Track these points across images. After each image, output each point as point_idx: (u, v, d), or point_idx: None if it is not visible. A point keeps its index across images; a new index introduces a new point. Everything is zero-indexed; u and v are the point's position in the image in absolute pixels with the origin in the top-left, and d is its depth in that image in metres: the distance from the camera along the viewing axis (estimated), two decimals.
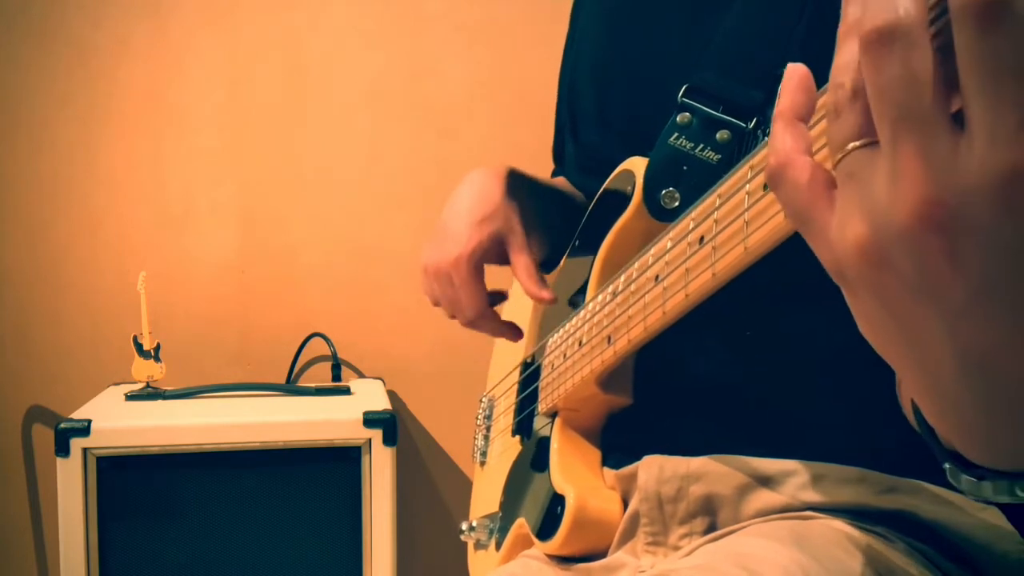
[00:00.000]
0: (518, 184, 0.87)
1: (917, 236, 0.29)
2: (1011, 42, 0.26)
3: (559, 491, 0.76)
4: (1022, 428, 0.32)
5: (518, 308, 0.98)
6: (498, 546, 0.89)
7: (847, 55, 0.33)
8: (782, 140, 0.36)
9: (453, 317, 0.88)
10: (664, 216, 0.68)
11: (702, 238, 0.53)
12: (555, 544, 0.75)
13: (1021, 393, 0.31)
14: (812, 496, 0.66)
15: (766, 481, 0.67)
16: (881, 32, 0.29)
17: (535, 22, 1.80)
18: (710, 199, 0.52)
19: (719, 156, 0.67)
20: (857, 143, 0.32)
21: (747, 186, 0.48)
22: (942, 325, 0.31)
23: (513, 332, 0.89)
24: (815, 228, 0.34)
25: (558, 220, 0.91)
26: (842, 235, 0.32)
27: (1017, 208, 0.27)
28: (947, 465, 0.36)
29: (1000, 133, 0.27)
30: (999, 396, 0.31)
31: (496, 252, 0.83)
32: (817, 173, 0.35)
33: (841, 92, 0.33)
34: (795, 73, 0.38)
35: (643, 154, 0.72)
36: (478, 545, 0.96)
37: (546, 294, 0.81)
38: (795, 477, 0.66)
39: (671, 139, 0.68)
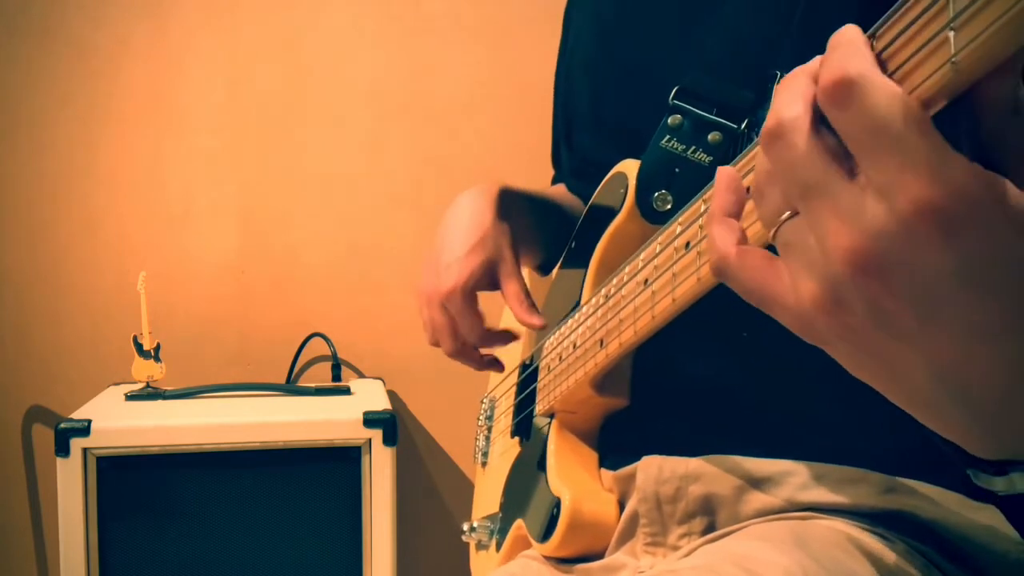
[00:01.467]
0: (510, 202, 0.87)
1: (856, 280, 0.33)
2: (864, 111, 0.32)
3: (555, 493, 0.76)
4: (1006, 418, 0.35)
5: None
6: (498, 547, 0.89)
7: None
8: (717, 237, 0.41)
9: (436, 344, 0.88)
10: (657, 218, 0.68)
11: (688, 243, 0.53)
12: (551, 546, 0.75)
13: (992, 388, 0.34)
14: (811, 496, 0.66)
15: (765, 481, 0.67)
16: (770, 132, 0.36)
17: (535, 22, 1.80)
18: (696, 204, 0.52)
19: (711, 158, 0.67)
20: (783, 216, 0.37)
21: None
22: (906, 348, 0.34)
23: (499, 366, 0.90)
24: (773, 300, 0.38)
25: (554, 229, 0.92)
26: (798, 297, 0.36)
27: (929, 237, 0.31)
28: (969, 471, 0.40)
29: (887, 180, 0.32)
30: (974, 395, 0.35)
31: (488, 279, 0.84)
32: (755, 255, 0.39)
33: (759, 179, 0.39)
34: (723, 176, 0.43)
35: (637, 157, 0.72)
36: (479, 546, 0.97)
37: (536, 320, 0.82)
38: (794, 477, 0.66)
39: (663, 141, 0.68)
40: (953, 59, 0.30)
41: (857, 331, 0.35)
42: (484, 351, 0.89)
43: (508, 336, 0.88)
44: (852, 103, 0.32)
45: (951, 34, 0.30)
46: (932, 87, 0.31)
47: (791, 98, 0.36)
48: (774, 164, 0.36)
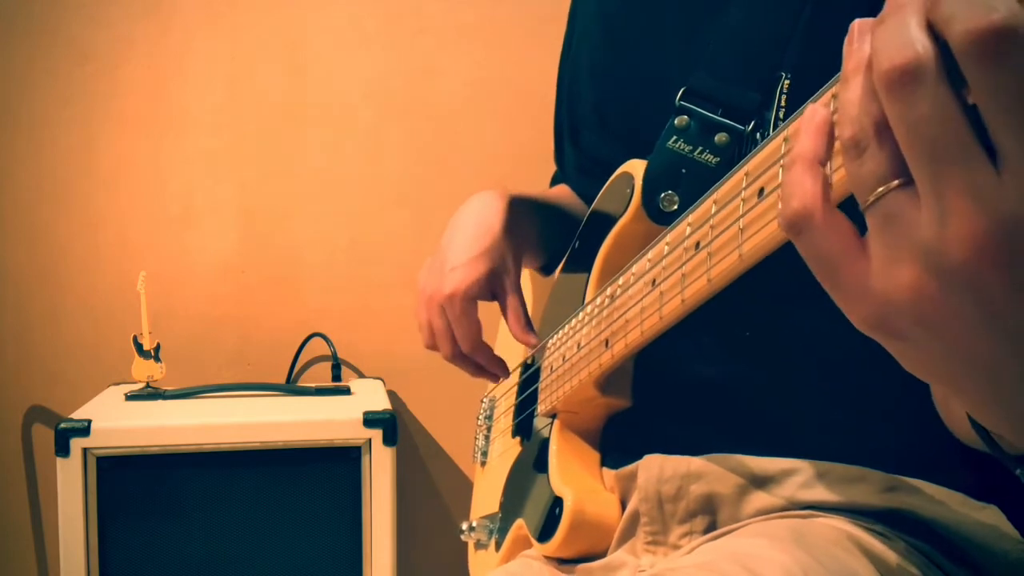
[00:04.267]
0: (518, 211, 0.87)
1: (977, 271, 0.29)
2: (1020, 69, 0.27)
3: (557, 493, 0.76)
4: None
5: None
6: (498, 546, 0.89)
7: (856, 90, 0.33)
8: (804, 185, 0.35)
9: (432, 348, 0.87)
10: (663, 219, 0.69)
11: (698, 244, 0.53)
12: (553, 546, 0.75)
13: None
14: (812, 495, 0.66)
15: (766, 480, 0.67)
16: (904, 71, 0.29)
17: (535, 22, 1.80)
18: (706, 204, 0.52)
19: (718, 159, 0.67)
20: (893, 184, 0.31)
21: (743, 193, 0.48)
22: (1007, 347, 0.31)
23: (493, 375, 0.88)
24: (847, 278, 0.34)
25: (558, 234, 0.92)
26: (890, 282, 0.32)
27: None
28: (1019, 471, 0.38)
29: None
30: None
31: (489, 289, 0.83)
32: (844, 221, 0.34)
33: (859, 130, 0.32)
34: (816, 115, 0.37)
35: (643, 157, 0.72)
36: (478, 545, 0.97)
37: (531, 339, 0.82)
38: (795, 476, 0.67)
39: (669, 142, 0.68)
40: None
41: (954, 327, 0.31)
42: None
43: (498, 360, 0.87)
44: (1012, 56, 0.27)
45: None
46: None
47: (918, 34, 0.29)
48: (899, 113, 0.30)
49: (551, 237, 0.93)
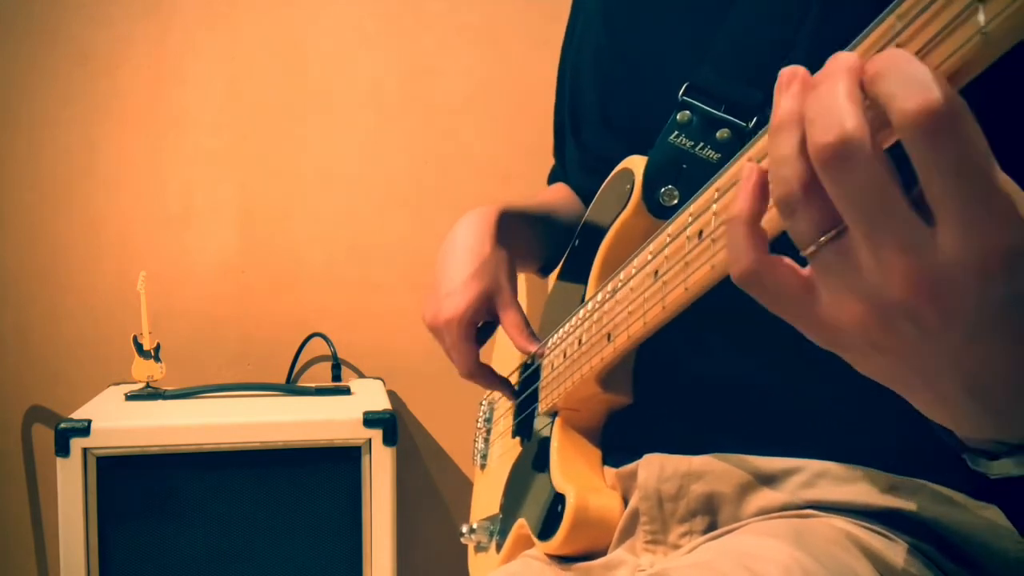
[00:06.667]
0: (509, 225, 0.87)
1: (914, 306, 0.34)
2: (963, 148, 0.30)
3: (559, 490, 0.76)
4: (1013, 406, 0.38)
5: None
6: (498, 548, 0.89)
7: (786, 148, 0.36)
8: (744, 246, 0.39)
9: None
10: (663, 214, 0.68)
11: (701, 232, 0.53)
12: (555, 543, 0.75)
13: (1006, 390, 0.37)
14: (813, 494, 0.66)
15: (767, 479, 0.67)
16: (835, 148, 0.33)
17: (535, 22, 1.80)
18: (708, 192, 0.52)
19: (719, 155, 0.67)
20: (824, 238, 0.35)
21: None
22: (946, 361, 0.36)
23: (506, 388, 0.89)
24: (802, 314, 0.39)
25: (554, 239, 0.92)
26: (838, 316, 0.37)
27: (997, 273, 0.32)
28: (967, 455, 0.42)
29: (972, 221, 0.31)
30: (994, 398, 0.37)
31: (486, 309, 0.83)
32: (786, 268, 0.38)
33: (789, 189, 0.36)
34: (754, 174, 0.40)
35: (644, 153, 0.72)
36: (479, 547, 0.96)
37: (535, 348, 0.82)
38: (796, 475, 0.66)
39: (671, 137, 0.68)
40: (984, 30, 0.30)
41: (901, 347, 0.36)
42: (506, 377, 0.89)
43: (499, 379, 0.87)
44: (954, 135, 0.30)
45: (980, 5, 0.30)
46: (960, 60, 0.31)
47: (852, 109, 0.33)
48: (837, 183, 0.33)
49: (545, 244, 0.93)
